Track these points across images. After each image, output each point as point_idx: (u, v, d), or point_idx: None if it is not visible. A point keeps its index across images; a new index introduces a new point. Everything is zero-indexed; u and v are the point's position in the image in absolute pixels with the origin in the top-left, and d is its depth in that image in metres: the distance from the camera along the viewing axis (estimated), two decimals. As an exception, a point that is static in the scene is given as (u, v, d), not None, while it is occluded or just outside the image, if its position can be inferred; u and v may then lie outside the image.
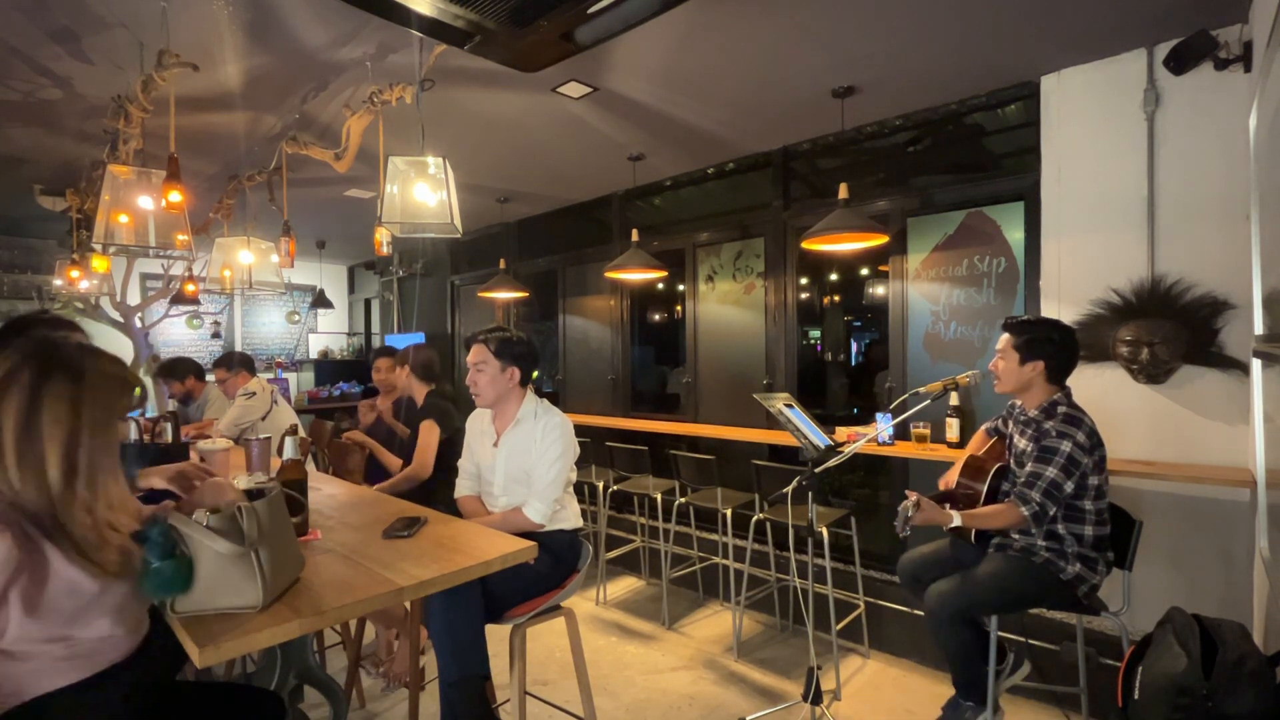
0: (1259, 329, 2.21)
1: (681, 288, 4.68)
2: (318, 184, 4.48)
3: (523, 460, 2.09)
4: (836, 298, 5.88)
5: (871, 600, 3.05)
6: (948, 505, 2.01)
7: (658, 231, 4.79)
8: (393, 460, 3.08)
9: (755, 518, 3.05)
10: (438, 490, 2.68)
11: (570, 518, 2.12)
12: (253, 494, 1.40)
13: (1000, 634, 2.08)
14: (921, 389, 2.16)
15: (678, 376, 4.85)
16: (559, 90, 3.01)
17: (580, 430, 2.35)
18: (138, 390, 1.24)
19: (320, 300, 7.19)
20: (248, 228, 3.73)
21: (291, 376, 7.90)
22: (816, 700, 2.18)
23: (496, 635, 1.84)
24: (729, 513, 3.17)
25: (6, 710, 1.09)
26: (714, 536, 3.60)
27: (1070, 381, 2.14)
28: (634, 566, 4.04)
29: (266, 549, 1.23)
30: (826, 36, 2.57)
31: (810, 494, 2.14)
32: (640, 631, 3.21)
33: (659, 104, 3.22)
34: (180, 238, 2.73)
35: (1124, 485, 2.62)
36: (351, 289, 8.61)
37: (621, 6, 2.00)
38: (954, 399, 3.08)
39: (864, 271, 5.24)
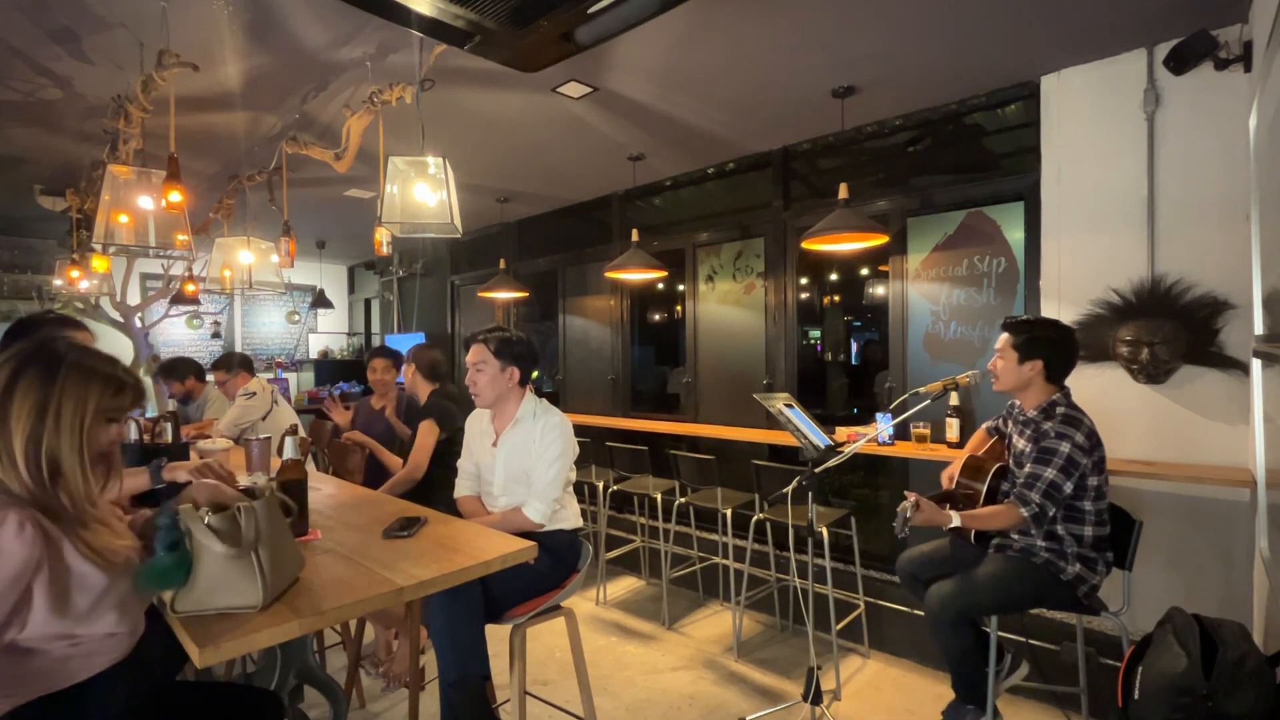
0: (1259, 329, 2.21)
1: (681, 288, 4.68)
2: (318, 184, 4.48)
3: (522, 460, 2.09)
4: (836, 298, 5.88)
5: (871, 600, 3.05)
6: (947, 505, 2.01)
7: (658, 231, 4.79)
8: (393, 460, 3.07)
9: (755, 518, 3.05)
10: (438, 490, 2.68)
11: (570, 518, 2.12)
12: (250, 493, 1.40)
13: (1000, 634, 2.08)
14: (921, 389, 2.16)
15: (678, 376, 4.85)
16: (559, 90, 3.01)
17: (580, 430, 2.35)
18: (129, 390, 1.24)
19: (320, 300, 7.19)
20: (248, 228, 3.73)
21: (291, 376, 7.90)
22: (816, 700, 2.18)
23: (496, 635, 1.84)
24: (729, 513, 3.17)
25: (6, 711, 1.09)
26: (714, 536, 3.60)
27: (1070, 381, 2.14)
28: (634, 566, 4.04)
29: (266, 549, 1.23)
30: (826, 36, 2.57)
31: (810, 494, 2.14)
32: (640, 631, 3.21)
33: (659, 104, 3.22)
34: (180, 238, 2.73)
35: (1124, 485, 2.62)
36: (351, 289, 8.61)
37: (621, 6, 2.00)
38: (954, 399, 3.08)
39: (864, 271, 5.25)
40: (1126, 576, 2.09)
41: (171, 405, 4.30)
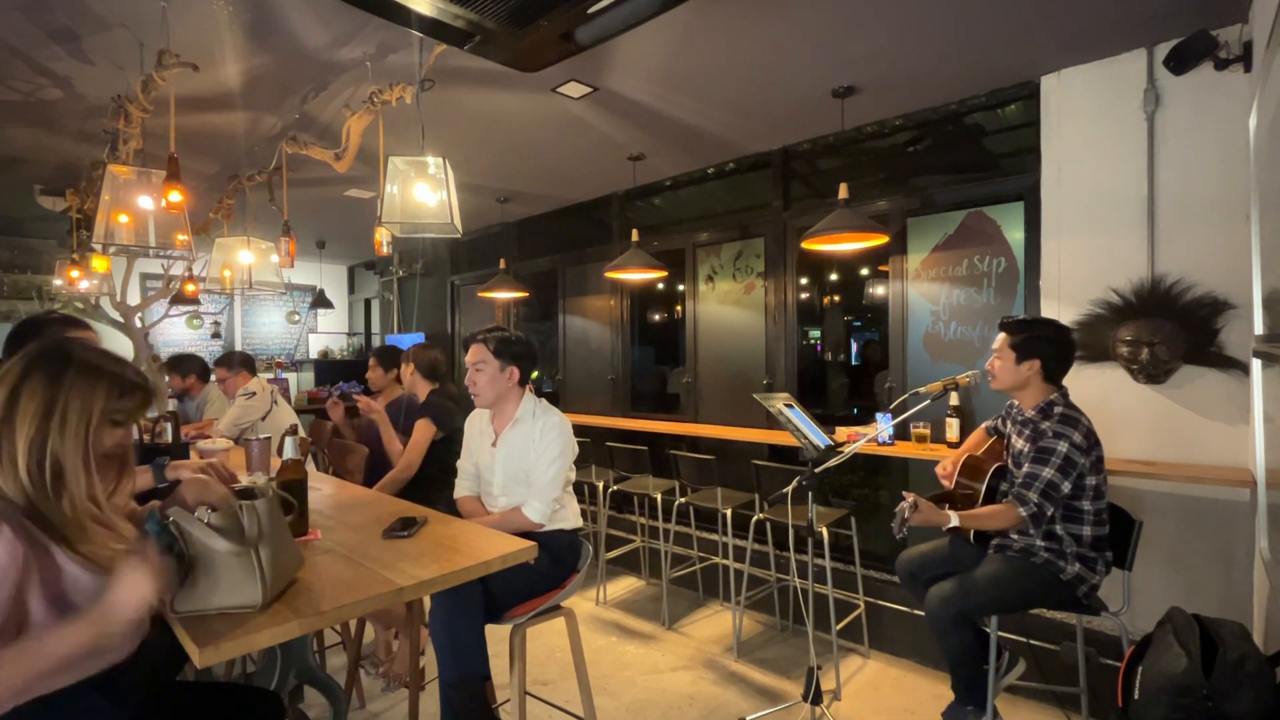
0: (1259, 329, 2.21)
1: (681, 288, 4.68)
2: (318, 184, 4.48)
3: (521, 460, 2.09)
4: (836, 298, 5.88)
5: (871, 600, 3.05)
6: (946, 505, 2.01)
7: (658, 231, 4.79)
8: (398, 448, 3.05)
9: (755, 518, 3.05)
10: (437, 490, 2.68)
11: (570, 518, 2.12)
12: (245, 493, 1.40)
13: (1000, 634, 2.08)
14: (921, 389, 2.16)
15: (678, 376, 4.85)
16: (559, 90, 3.01)
17: (580, 430, 2.36)
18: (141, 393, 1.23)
19: (320, 300, 7.19)
20: (248, 228, 3.73)
21: (291, 376, 7.90)
22: (816, 700, 2.18)
23: (496, 635, 1.84)
24: (729, 513, 3.17)
25: (7, 710, 1.09)
26: (714, 536, 3.60)
27: (1070, 381, 2.14)
28: (634, 566, 4.04)
29: (267, 548, 1.23)
30: (826, 36, 2.57)
31: (810, 494, 2.14)
32: (640, 631, 3.21)
33: (659, 104, 3.22)
34: (180, 238, 2.73)
35: (1124, 485, 2.62)
36: (351, 289, 8.61)
37: (622, 6, 2.00)
38: (954, 399, 3.08)
39: (864, 271, 5.25)
40: (1126, 576, 2.09)
41: (171, 405, 4.30)
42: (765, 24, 2.46)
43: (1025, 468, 2.00)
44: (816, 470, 2.09)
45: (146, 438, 2.60)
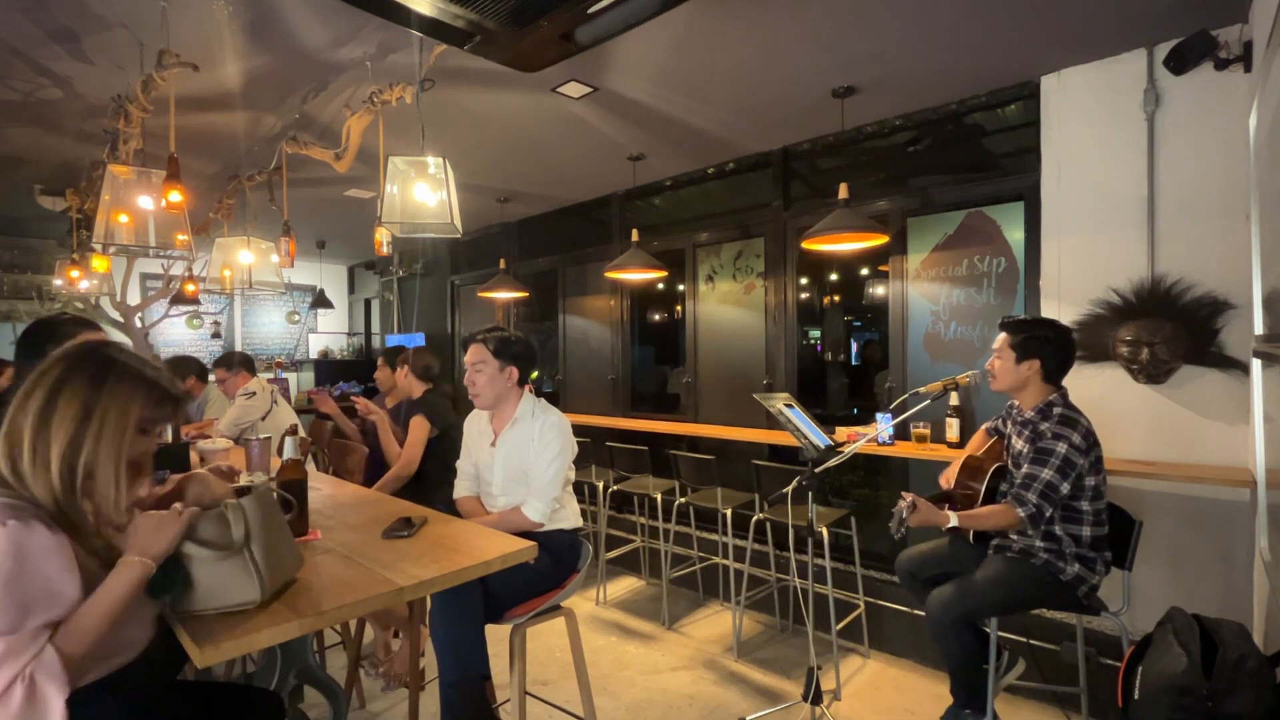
0: (1259, 329, 2.21)
1: (681, 288, 4.68)
2: (318, 184, 4.48)
3: (521, 459, 2.09)
4: (836, 298, 5.88)
5: (871, 600, 3.05)
6: (945, 506, 2.02)
7: (658, 231, 4.79)
8: (396, 449, 3.07)
9: (755, 518, 3.05)
10: (437, 490, 2.69)
11: (570, 517, 2.12)
12: (243, 491, 1.40)
13: (1000, 634, 2.08)
14: (921, 389, 2.16)
15: (678, 376, 4.85)
16: (559, 90, 3.01)
17: (580, 430, 2.36)
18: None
19: (320, 300, 7.19)
20: (248, 228, 3.73)
21: (291, 376, 7.90)
22: (816, 700, 2.18)
23: (496, 635, 1.84)
24: (729, 513, 3.17)
25: (85, 676, 1.10)
26: (714, 536, 3.60)
27: (1070, 382, 2.14)
28: (634, 566, 4.04)
29: (260, 545, 1.23)
30: (826, 36, 2.57)
31: (810, 494, 2.14)
32: (640, 631, 3.21)
33: (659, 104, 3.22)
34: (180, 238, 2.73)
35: (1124, 485, 2.62)
36: (351, 289, 8.61)
37: (621, 6, 2.00)
38: (954, 399, 3.08)
39: (864, 271, 5.25)
40: (1126, 576, 2.09)
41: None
42: (765, 24, 2.46)
43: (1024, 468, 2.00)
44: (816, 470, 2.09)
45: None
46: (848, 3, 2.32)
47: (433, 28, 2.13)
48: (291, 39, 2.54)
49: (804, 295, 4.10)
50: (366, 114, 2.65)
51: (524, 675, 1.87)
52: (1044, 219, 2.92)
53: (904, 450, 3.05)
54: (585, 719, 2.08)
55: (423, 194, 2.29)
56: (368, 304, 8.38)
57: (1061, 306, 2.83)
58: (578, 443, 2.20)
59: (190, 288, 4.75)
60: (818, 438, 2.17)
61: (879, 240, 3.04)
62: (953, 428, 3.05)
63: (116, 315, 5.59)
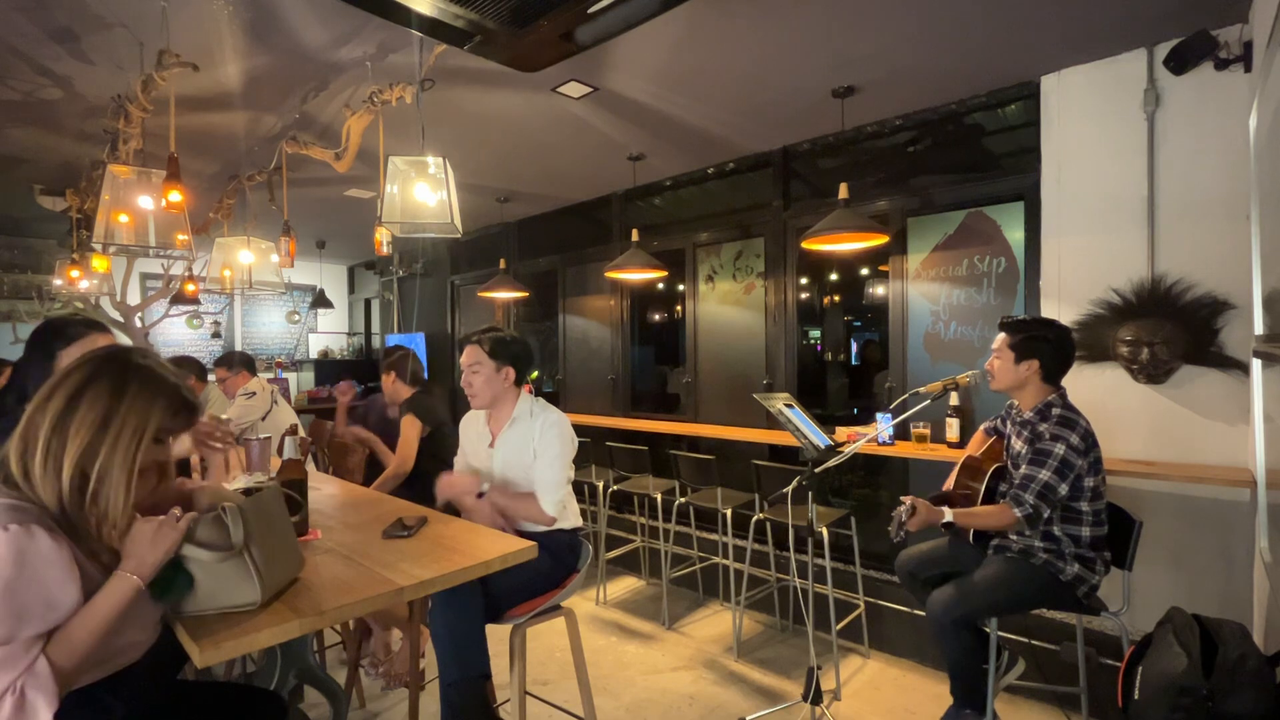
0: (1259, 329, 2.21)
1: (681, 288, 4.68)
2: (318, 184, 4.49)
3: (520, 458, 2.09)
4: (836, 298, 5.88)
5: (871, 600, 3.05)
6: (944, 506, 2.01)
7: (658, 231, 4.79)
8: (390, 456, 3.10)
9: (755, 518, 3.05)
10: (433, 487, 2.69)
11: (570, 517, 2.12)
12: (250, 494, 1.40)
13: (1000, 634, 2.08)
14: (921, 389, 2.15)
15: (678, 376, 4.85)
16: (559, 90, 3.01)
17: (580, 430, 2.35)
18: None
19: (320, 300, 7.19)
20: (248, 228, 3.73)
21: (291, 376, 7.90)
22: (816, 700, 2.18)
23: (496, 635, 1.84)
24: (729, 513, 3.17)
25: (81, 681, 1.09)
26: (714, 536, 3.60)
27: (1070, 382, 2.14)
28: (634, 566, 4.04)
29: (259, 546, 1.22)
30: (826, 36, 2.57)
31: (810, 494, 2.13)
32: (640, 631, 3.21)
33: (659, 104, 3.22)
34: (180, 238, 2.73)
35: (1124, 485, 2.62)
36: (351, 289, 8.61)
37: (622, 6, 2.00)
38: (954, 399, 3.08)
39: (864, 271, 5.25)
40: (1126, 576, 2.09)
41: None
42: (765, 24, 2.46)
43: (1022, 469, 2.00)
44: (816, 470, 2.09)
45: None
46: (848, 3, 2.32)
47: (433, 28, 2.13)
48: (291, 39, 2.54)
49: (804, 295, 4.10)
50: (366, 114, 2.65)
51: (524, 675, 1.87)
52: (1044, 219, 2.92)
53: (904, 450, 3.05)
54: (585, 719, 2.08)
55: (423, 194, 2.29)
56: (368, 304, 8.38)
57: (1061, 306, 2.83)
58: (578, 442, 2.20)
59: (190, 288, 4.75)
60: (818, 438, 2.17)
61: (879, 240, 3.04)
62: (953, 428, 3.05)
63: (116, 315, 5.59)
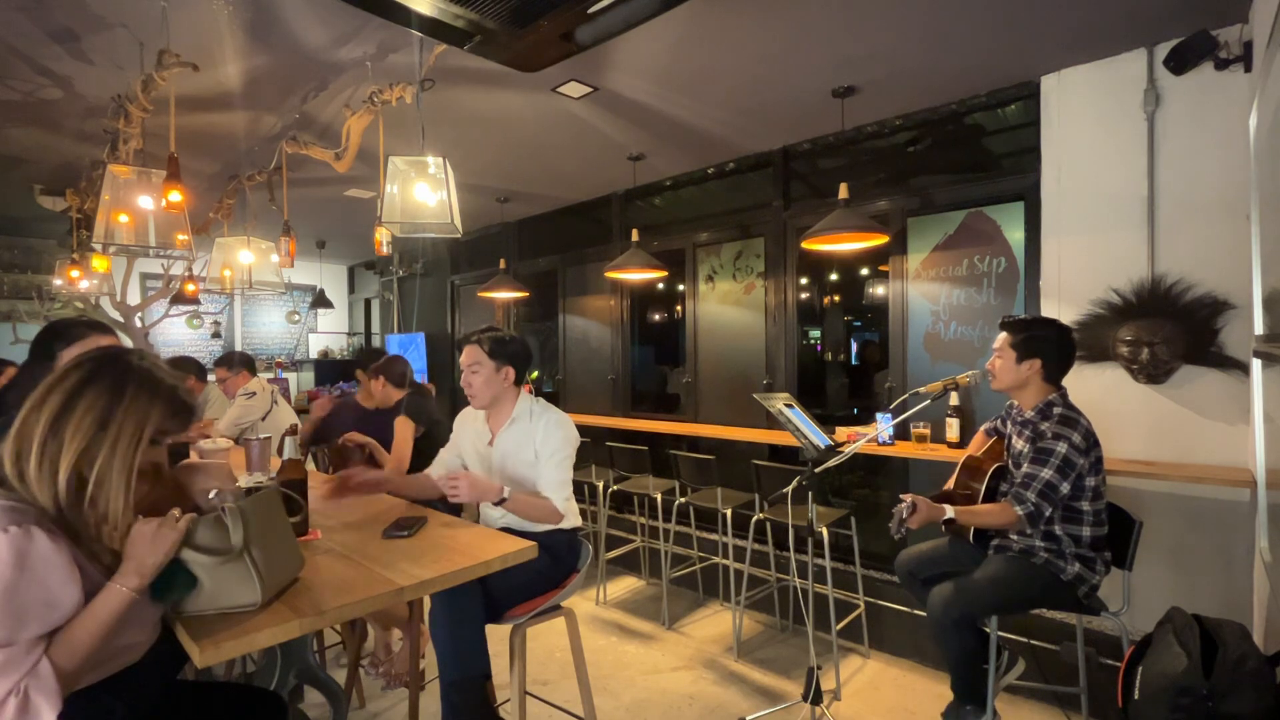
0: (1259, 329, 2.21)
1: (681, 288, 4.68)
2: (318, 184, 4.49)
3: (520, 456, 2.09)
4: (836, 298, 5.88)
5: (871, 600, 3.05)
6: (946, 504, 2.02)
7: (658, 231, 4.79)
8: (387, 460, 3.08)
9: (755, 518, 3.05)
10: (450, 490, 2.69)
11: (570, 517, 2.12)
12: (250, 492, 1.40)
13: (1000, 634, 2.08)
14: (921, 389, 2.15)
15: (678, 376, 4.85)
16: (559, 90, 3.01)
17: (580, 430, 2.35)
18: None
19: (320, 300, 7.19)
20: (248, 228, 3.73)
21: (291, 376, 7.90)
22: (816, 700, 2.18)
23: (496, 635, 1.84)
24: (729, 513, 3.17)
25: (80, 683, 1.09)
26: (714, 536, 3.60)
27: (1070, 381, 2.14)
28: (634, 566, 4.04)
29: (259, 547, 1.22)
30: (826, 36, 2.57)
31: (810, 494, 2.13)
32: (640, 631, 3.21)
33: (659, 104, 3.22)
34: (180, 238, 2.73)
35: (1124, 485, 2.62)
36: (351, 289, 8.62)
37: (622, 7, 2.00)
38: (954, 399, 3.08)
39: (864, 271, 5.25)
40: (1126, 576, 2.09)
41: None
42: (765, 24, 2.46)
43: (1024, 468, 2.00)
44: (816, 470, 2.09)
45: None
46: (848, 3, 2.32)
47: (433, 28, 2.13)
48: (291, 39, 2.54)
49: (804, 295, 4.11)
50: (366, 114, 2.65)
51: (524, 675, 1.87)
52: (1044, 219, 2.92)
53: (904, 450, 3.05)
54: (585, 719, 2.08)
55: (423, 194, 2.29)
56: (368, 304, 8.38)
57: (1061, 306, 2.83)
58: (579, 442, 2.20)
59: (190, 288, 4.75)
60: (818, 438, 2.17)
61: (879, 240, 3.04)
62: (953, 428, 3.05)
63: (116, 315, 5.59)
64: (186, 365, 4.14)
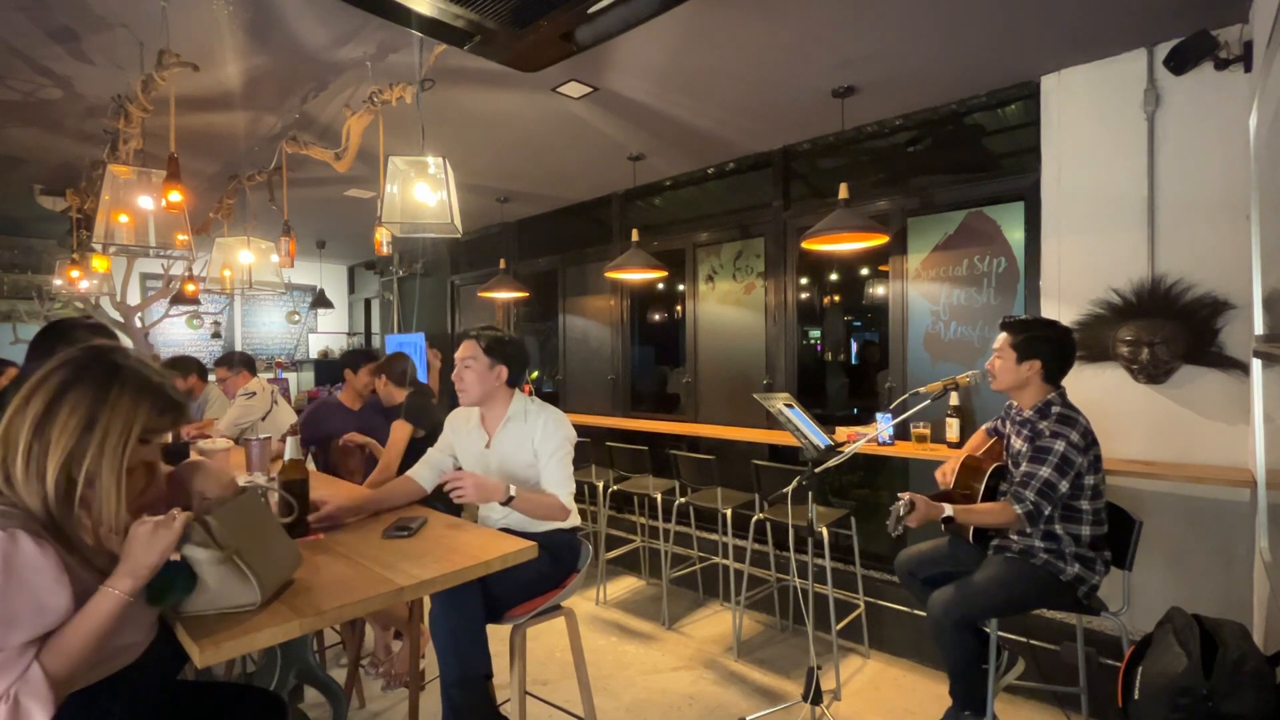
0: (1259, 329, 2.21)
1: (681, 288, 4.68)
2: (318, 184, 4.49)
3: (518, 456, 2.09)
4: (836, 298, 5.89)
5: (871, 600, 3.05)
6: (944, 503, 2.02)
7: (658, 231, 4.79)
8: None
9: (755, 518, 3.05)
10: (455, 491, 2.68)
11: (570, 516, 2.12)
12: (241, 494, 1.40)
13: (1000, 634, 2.08)
14: (921, 389, 2.15)
15: (678, 376, 4.86)
16: (559, 90, 3.01)
17: (580, 430, 2.35)
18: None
19: (320, 300, 7.19)
20: (248, 228, 3.73)
21: (291, 376, 7.90)
22: (816, 700, 2.18)
23: (496, 635, 1.84)
24: (729, 513, 3.17)
25: (76, 686, 1.09)
26: (714, 536, 3.60)
27: (1070, 381, 2.14)
28: (634, 566, 4.04)
29: (244, 550, 1.22)
30: (826, 36, 2.57)
31: (810, 494, 2.14)
32: (640, 631, 3.21)
33: (659, 104, 3.22)
34: (180, 238, 2.73)
35: (1124, 485, 2.62)
36: (351, 289, 8.62)
37: (622, 6, 2.00)
38: (954, 399, 3.08)
39: (864, 271, 5.25)
40: (1126, 576, 2.09)
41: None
42: (765, 24, 2.46)
43: (1023, 467, 2.00)
44: (816, 470, 2.09)
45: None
46: (848, 2, 2.32)
47: (433, 28, 2.13)
48: (291, 39, 2.54)
49: (804, 295, 4.11)
50: (366, 114, 2.65)
51: (524, 675, 1.87)
52: (1044, 219, 2.92)
53: (904, 450, 3.05)
54: (585, 719, 2.08)
55: (423, 194, 2.29)
56: (368, 304, 8.38)
57: (1061, 306, 2.83)
58: (578, 442, 2.20)
59: (190, 288, 4.75)
60: (818, 438, 2.17)
61: (879, 240, 3.04)
62: (953, 428, 3.05)
63: (116, 315, 5.59)
64: (188, 365, 4.15)
